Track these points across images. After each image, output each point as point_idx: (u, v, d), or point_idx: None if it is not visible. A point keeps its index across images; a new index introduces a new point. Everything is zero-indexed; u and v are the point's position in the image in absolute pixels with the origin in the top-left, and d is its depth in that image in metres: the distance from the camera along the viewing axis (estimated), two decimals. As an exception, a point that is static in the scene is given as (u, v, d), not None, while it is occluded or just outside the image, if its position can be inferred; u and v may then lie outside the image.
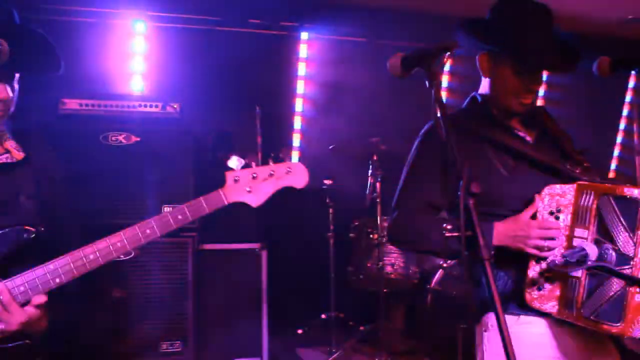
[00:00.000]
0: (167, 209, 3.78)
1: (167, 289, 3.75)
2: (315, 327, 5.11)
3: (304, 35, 5.66)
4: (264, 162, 2.18)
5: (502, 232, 2.09)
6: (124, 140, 3.71)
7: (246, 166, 2.15)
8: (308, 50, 5.71)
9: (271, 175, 2.15)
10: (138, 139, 3.74)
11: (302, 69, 5.72)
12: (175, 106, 3.90)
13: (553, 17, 2.21)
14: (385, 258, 4.77)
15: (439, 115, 1.76)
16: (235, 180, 2.12)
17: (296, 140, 5.78)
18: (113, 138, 3.71)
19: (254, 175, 2.13)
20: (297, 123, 5.78)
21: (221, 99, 4.92)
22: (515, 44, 2.16)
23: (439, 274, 4.55)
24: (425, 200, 2.26)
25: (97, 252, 2.00)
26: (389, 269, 4.79)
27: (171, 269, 3.77)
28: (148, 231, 2.05)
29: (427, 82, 1.80)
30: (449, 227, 1.90)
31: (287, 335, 5.08)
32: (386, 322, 4.73)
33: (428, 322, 4.49)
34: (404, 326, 5.17)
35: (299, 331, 5.11)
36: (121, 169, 3.67)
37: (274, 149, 2.16)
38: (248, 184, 2.12)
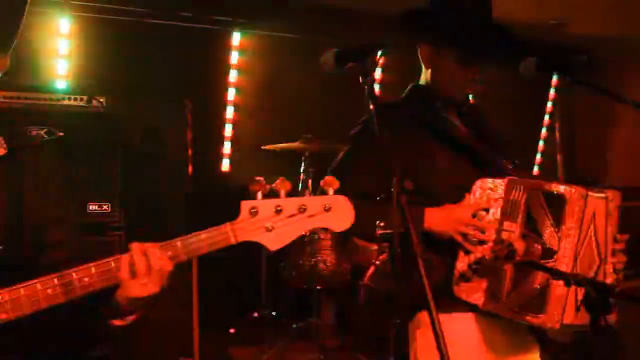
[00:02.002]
0: (92, 207, 3.64)
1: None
2: (247, 326, 5.06)
3: (236, 30, 5.56)
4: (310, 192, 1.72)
5: (435, 216, 2.11)
6: (45, 135, 3.54)
7: (272, 194, 1.66)
8: (240, 46, 5.61)
9: (302, 210, 1.63)
10: (61, 134, 3.57)
11: (233, 66, 5.62)
12: (101, 100, 3.77)
13: (491, 7, 2.27)
14: (317, 255, 4.77)
15: (372, 111, 1.76)
16: (252, 213, 1.64)
17: (228, 132, 5.66)
18: (34, 133, 3.52)
19: (279, 208, 1.63)
20: (229, 117, 5.65)
21: (150, 92, 4.79)
22: (456, 34, 2.20)
23: (370, 270, 4.58)
24: (356, 186, 2.16)
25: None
26: (321, 265, 4.79)
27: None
28: (113, 271, 1.64)
29: (360, 78, 1.80)
30: (381, 224, 1.90)
31: (219, 335, 5.00)
32: (318, 319, 4.73)
33: (360, 318, 4.52)
34: (336, 322, 5.19)
35: (231, 330, 5.04)
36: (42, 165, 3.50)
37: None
38: (269, 219, 1.63)
